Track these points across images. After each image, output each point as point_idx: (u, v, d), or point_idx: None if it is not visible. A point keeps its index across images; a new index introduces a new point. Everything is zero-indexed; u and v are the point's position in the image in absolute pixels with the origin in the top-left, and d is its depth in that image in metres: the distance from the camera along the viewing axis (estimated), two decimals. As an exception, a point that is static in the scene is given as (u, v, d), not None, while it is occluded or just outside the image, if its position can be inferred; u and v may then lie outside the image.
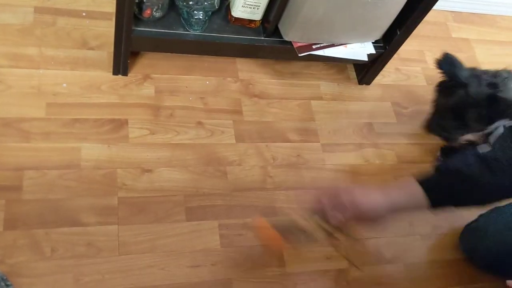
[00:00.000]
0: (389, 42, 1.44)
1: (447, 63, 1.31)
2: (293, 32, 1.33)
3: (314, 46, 1.38)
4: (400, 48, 1.47)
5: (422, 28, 1.42)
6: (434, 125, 1.36)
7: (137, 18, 1.27)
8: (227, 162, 1.32)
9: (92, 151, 1.23)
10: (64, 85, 1.29)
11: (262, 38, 1.36)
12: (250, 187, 1.30)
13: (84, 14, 1.41)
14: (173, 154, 1.29)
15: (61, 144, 1.21)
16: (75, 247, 1.11)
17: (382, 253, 1.32)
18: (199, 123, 1.36)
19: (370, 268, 1.29)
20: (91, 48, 1.37)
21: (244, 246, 1.22)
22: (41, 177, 1.16)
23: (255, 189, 1.31)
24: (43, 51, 1.32)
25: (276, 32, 1.36)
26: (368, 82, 1.59)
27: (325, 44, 1.40)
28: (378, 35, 1.43)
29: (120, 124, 1.28)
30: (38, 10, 1.38)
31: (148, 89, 1.36)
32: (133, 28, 1.24)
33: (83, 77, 1.32)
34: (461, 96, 1.28)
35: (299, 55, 1.37)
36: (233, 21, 1.35)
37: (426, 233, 1.39)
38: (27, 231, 1.10)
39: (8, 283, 1.03)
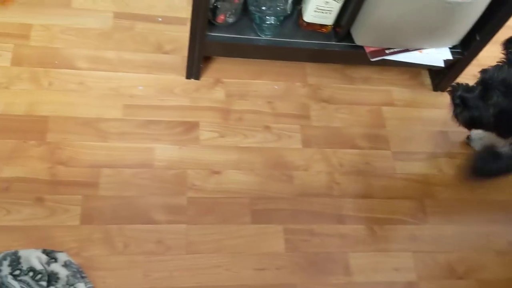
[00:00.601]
0: (468, 48, 1.38)
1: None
2: (365, 36, 1.31)
3: (387, 51, 1.35)
4: (479, 54, 1.40)
5: (502, 33, 1.34)
6: (460, 90, 1.13)
7: (211, 24, 1.30)
8: (293, 166, 1.32)
9: (164, 152, 1.27)
10: (140, 87, 1.34)
11: (333, 42, 1.35)
12: (316, 193, 1.29)
13: (160, 19, 1.47)
14: (241, 157, 1.31)
15: (136, 144, 1.26)
16: (145, 243, 1.15)
17: (454, 268, 1.26)
18: (267, 127, 1.36)
19: (440, 282, 1.23)
20: (166, 52, 1.42)
21: (309, 252, 1.21)
22: (116, 175, 1.21)
23: (321, 195, 1.29)
24: (121, 55, 1.38)
25: (348, 37, 1.34)
26: (443, 89, 1.53)
27: (398, 49, 1.36)
28: (455, 40, 1.37)
29: (192, 126, 1.32)
30: (117, 15, 1.45)
31: (218, 93, 1.39)
32: (207, 33, 1.27)
33: (158, 80, 1.37)
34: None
35: (371, 60, 1.34)
36: (305, 26, 1.35)
37: (502, 249, 1.31)
38: (102, 226, 1.15)
39: (83, 275, 1.08)
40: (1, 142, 1.20)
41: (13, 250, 1.07)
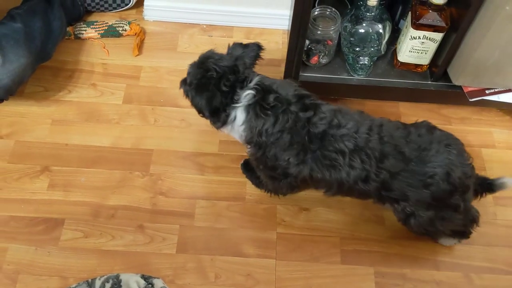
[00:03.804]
0: None
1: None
2: (464, 76, 1.27)
3: (487, 91, 1.30)
4: None
5: None
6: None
7: (304, 64, 1.34)
8: (384, 207, 1.29)
9: (256, 186, 1.31)
10: (236, 124, 1.41)
11: (429, 82, 1.33)
12: (409, 236, 1.24)
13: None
14: (331, 195, 1.31)
15: (230, 178, 1.32)
16: (235, 275, 1.18)
17: None
18: (358, 166, 1.36)
19: None
20: (261, 92, 1.48)
21: (401, 298, 1.17)
22: (210, 207, 1.27)
23: (415, 239, 1.24)
24: (219, 94, 1.47)
25: (444, 76, 1.32)
26: (551, 131, 1.42)
27: (500, 89, 1.30)
28: None
29: (283, 163, 1.35)
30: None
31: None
32: (300, 74, 1.32)
33: (252, 118, 1.42)
34: None
35: (470, 100, 1.29)
36: (399, 66, 1.34)
37: None
38: (196, 256, 1.20)
39: (177, 301, 1.13)
40: (110, 173, 1.31)
41: (115, 274, 1.15)
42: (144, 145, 1.37)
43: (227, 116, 1.07)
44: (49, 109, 1.42)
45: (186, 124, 1.41)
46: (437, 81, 1.33)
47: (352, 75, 1.35)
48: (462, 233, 1.19)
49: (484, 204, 1.29)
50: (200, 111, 1.11)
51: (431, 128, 1.07)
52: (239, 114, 1.07)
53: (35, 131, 1.37)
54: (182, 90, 1.16)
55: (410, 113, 1.45)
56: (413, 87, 1.33)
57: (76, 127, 1.39)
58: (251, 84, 1.06)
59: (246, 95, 1.05)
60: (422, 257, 1.22)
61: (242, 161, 1.33)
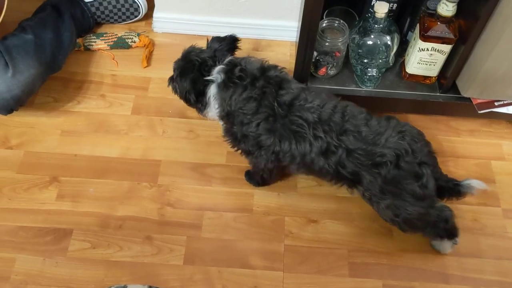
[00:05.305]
0: None
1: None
2: (472, 88, 1.27)
3: (496, 103, 1.29)
4: None
5: None
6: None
7: (312, 76, 1.35)
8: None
9: (263, 198, 1.31)
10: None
11: (438, 94, 1.33)
12: (418, 249, 1.24)
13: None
14: (338, 207, 1.30)
15: (237, 189, 1.32)
16: (242, 287, 1.17)
17: None
18: (367, 178, 1.35)
19: None
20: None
21: (409, 311, 1.15)
22: (218, 218, 1.27)
23: (424, 251, 1.23)
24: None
25: (453, 88, 1.31)
26: (562, 144, 1.41)
27: (509, 101, 1.30)
28: None
29: (290, 174, 1.35)
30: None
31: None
32: (308, 85, 1.32)
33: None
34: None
35: (479, 112, 1.29)
36: (407, 78, 1.34)
37: None
38: (203, 267, 1.20)
39: (184, 313, 1.13)
40: (118, 183, 1.32)
41: (122, 285, 1.15)
42: (152, 156, 1.37)
43: (206, 95, 1.17)
44: (58, 120, 1.43)
45: (194, 135, 1.42)
46: (446, 93, 1.32)
47: (360, 87, 1.35)
48: (449, 234, 1.18)
49: (493, 217, 1.29)
50: (186, 96, 1.20)
51: (389, 118, 1.12)
52: (212, 90, 1.16)
53: (45, 142, 1.38)
54: (170, 88, 1.26)
55: (419, 125, 1.43)
56: (421, 99, 1.33)
57: (85, 138, 1.40)
58: (224, 62, 1.17)
59: (218, 68, 1.15)
60: (431, 270, 1.21)
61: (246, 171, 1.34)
